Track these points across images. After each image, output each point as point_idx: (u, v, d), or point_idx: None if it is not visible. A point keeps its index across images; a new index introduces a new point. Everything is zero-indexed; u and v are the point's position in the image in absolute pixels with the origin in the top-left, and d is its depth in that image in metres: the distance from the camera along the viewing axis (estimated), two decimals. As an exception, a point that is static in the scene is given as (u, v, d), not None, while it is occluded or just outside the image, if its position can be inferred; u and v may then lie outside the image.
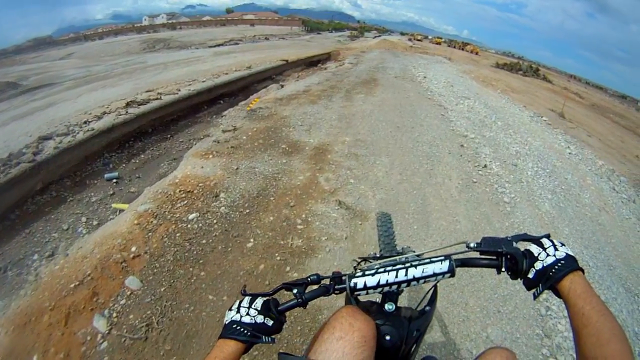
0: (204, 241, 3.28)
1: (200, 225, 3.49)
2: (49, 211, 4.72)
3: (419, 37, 59.99)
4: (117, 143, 6.65)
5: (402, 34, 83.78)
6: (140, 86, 10.07)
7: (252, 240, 3.37)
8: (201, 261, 3.03)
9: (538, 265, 0.82)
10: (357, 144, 5.72)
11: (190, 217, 3.59)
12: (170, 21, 68.94)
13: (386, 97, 9.14)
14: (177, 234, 3.32)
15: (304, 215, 3.78)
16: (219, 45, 29.03)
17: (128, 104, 7.57)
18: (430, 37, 67.65)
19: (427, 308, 1.00)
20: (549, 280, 0.79)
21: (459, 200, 4.40)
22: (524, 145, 7.16)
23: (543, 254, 0.83)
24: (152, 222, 3.45)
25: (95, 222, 4.42)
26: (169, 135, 7.44)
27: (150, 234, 3.29)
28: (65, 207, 4.82)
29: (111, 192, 5.13)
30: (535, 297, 0.83)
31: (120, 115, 6.92)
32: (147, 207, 3.70)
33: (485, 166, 5.51)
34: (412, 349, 0.93)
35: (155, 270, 2.90)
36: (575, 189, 5.75)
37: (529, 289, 0.85)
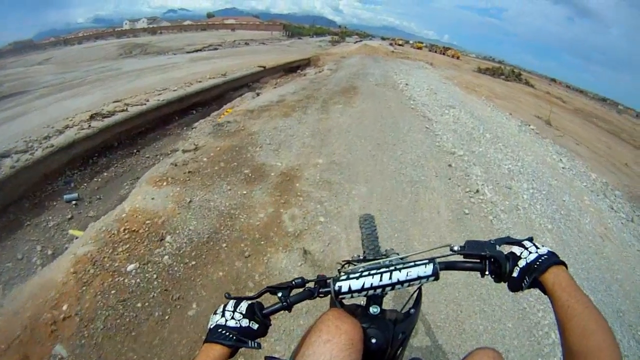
0: (139, 304, 2.67)
1: (139, 280, 2.84)
2: (6, 237, 4.31)
3: (400, 42, 59.82)
4: (79, 159, 6.11)
5: (383, 38, 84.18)
6: (110, 95, 9.40)
7: (194, 305, 2.69)
8: (133, 333, 2.47)
9: (522, 264, 0.82)
10: (331, 168, 4.94)
11: (129, 268, 2.94)
12: (151, 25, 67.43)
13: (366, 108, 8.42)
14: (112, 292, 2.73)
15: (260, 271, 3.01)
16: (197, 50, 28.14)
17: (92, 117, 6.92)
18: (411, 41, 67.84)
19: (412, 310, 0.98)
20: (533, 273, 0.79)
21: (450, 242, 3.67)
22: (516, 161, 6.53)
23: (525, 252, 0.84)
24: (89, 271, 2.87)
25: (50, 252, 4.06)
26: (135, 150, 6.82)
27: (84, 288, 2.74)
28: (22, 233, 4.44)
29: (69, 216, 4.75)
30: (522, 290, 0.82)
31: (83, 129, 6.32)
32: (87, 249, 3.11)
33: (477, 191, 4.81)
34: (398, 351, 0.93)
35: (83, 341, 2.40)
36: (574, 213, 5.14)
37: (513, 290, 0.85)
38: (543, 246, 0.85)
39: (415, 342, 2.46)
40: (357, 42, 53.17)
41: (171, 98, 9.32)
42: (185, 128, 8.36)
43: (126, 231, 3.37)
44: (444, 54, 50.07)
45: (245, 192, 4.23)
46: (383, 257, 1.29)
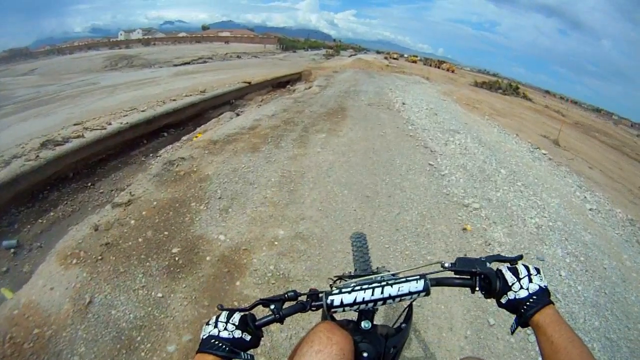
0: None
1: None
2: None
3: (395, 56, 58.94)
4: (27, 194, 5.08)
5: (378, 52, 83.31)
6: (74, 116, 8.22)
7: None
8: None
9: (510, 295, 0.81)
10: (295, 248, 3.33)
11: None
12: (146, 37, 66.31)
13: (355, 137, 6.89)
14: None
15: None
16: (185, 63, 26.65)
17: (44, 144, 5.80)
18: (406, 55, 66.76)
19: (404, 325, 0.98)
20: (521, 317, 0.78)
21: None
22: (542, 210, 5.02)
23: (516, 285, 0.81)
24: None
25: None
26: (90, 183, 5.66)
27: None
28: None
29: (5, 268, 3.82)
30: (512, 332, 0.83)
31: (30, 160, 5.31)
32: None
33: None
34: None
35: None
36: (619, 289, 3.65)
37: (501, 307, 0.84)
38: (537, 273, 0.83)
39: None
40: (352, 55, 52.07)
41: (136, 121, 7.92)
42: (151, 155, 6.98)
43: (10, 342, 2.33)
44: (439, 67, 49.13)
45: (161, 295, 2.72)
46: (374, 273, 1.20)
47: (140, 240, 3.41)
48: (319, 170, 5.06)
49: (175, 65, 24.89)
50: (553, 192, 5.97)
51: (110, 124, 7.45)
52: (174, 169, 5.09)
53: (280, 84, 18.36)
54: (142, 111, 8.79)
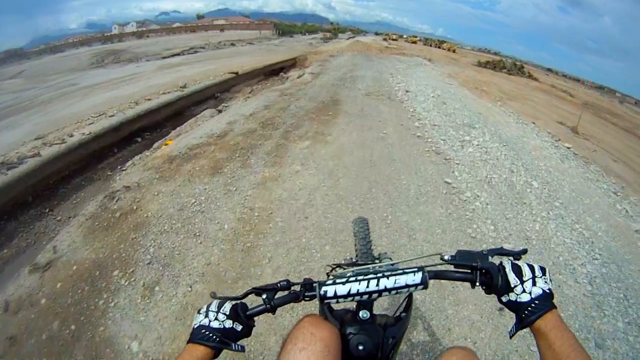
0: None
1: None
2: None
3: (394, 37, 56.18)
4: None
5: (376, 34, 79.81)
6: (39, 127, 7.12)
7: None
8: None
9: (512, 297, 0.76)
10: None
11: None
12: (140, 29, 63.89)
13: (347, 144, 5.46)
14: None
15: None
16: (174, 55, 24.86)
17: None
18: (405, 36, 63.58)
19: (403, 314, 0.94)
20: (522, 321, 0.73)
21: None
22: (590, 247, 3.73)
23: (519, 288, 0.75)
24: None
25: None
26: (48, 209, 4.64)
27: None
28: None
29: None
30: (510, 336, 0.77)
31: None
32: None
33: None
34: (390, 356, 0.87)
35: None
36: None
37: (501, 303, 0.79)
38: (542, 275, 0.77)
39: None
40: (350, 38, 49.70)
41: (101, 130, 6.77)
42: (118, 167, 5.90)
43: None
44: (439, 47, 46.68)
45: None
46: (375, 261, 1.27)
47: (43, 337, 2.30)
48: (293, 206, 3.64)
49: (164, 58, 23.15)
50: (595, 211, 4.58)
51: (72, 135, 6.36)
52: (112, 206, 3.79)
53: (274, 71, 16.80)
54: (111, 116, 7.61)
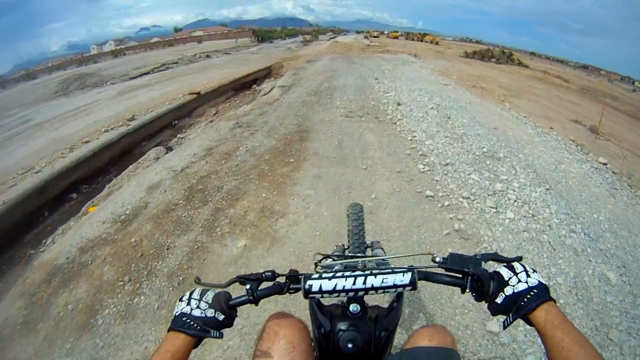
0: None
1: None
2: None
3: (376, 34, 53.96)
4: None
5: (357, 32, 77.55)
6: None
7: None
8: None
9: (508, 291, 0.69)
10: None
11: None
12: (118, 47, 61.12)
13: (314, 230, 3.32)
14: None
15: None
16: (143, 74, 22.55)
17: None
18: (386, 32, 61.43)
19: (395, 304, 0.88)
20: (520, 309, 0.66)
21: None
22: None
23: (514, 279, 0.70)
24: None
25: None
26: None
27: None
28: None
29: None
30: (505, 326, 0.69)
31: None
32: None
33: None
34: (383, 350, 0.83)
35: None
36: None
37: (494, 314, 0.72)
38: (534, 272, 0.72)
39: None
40: (331, 38, 47.54)
41: (21, 194, 5.12)
42: (44, 240, 4.26)
43: None
44: (421, 40, 44.68)
45: None
46: (366, 251, 1.24)
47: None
48: None
49: (132, 78, 20.93)
50: None
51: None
52: None
53: (245, 84, 14.54)
54: (37, 172, 5.90)
